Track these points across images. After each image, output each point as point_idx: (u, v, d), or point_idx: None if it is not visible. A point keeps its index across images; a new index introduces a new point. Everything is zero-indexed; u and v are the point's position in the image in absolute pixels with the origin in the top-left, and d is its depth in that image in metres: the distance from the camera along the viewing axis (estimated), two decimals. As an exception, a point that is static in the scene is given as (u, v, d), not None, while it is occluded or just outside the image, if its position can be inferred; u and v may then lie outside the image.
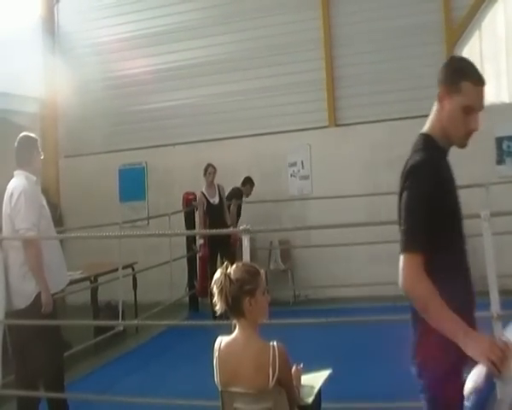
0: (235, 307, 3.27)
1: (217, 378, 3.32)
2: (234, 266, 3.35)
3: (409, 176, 2.87)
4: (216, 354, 3.33)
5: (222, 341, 3.36)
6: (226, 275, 3.27)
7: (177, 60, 12.23)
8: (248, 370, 3.22)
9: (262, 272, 3.42)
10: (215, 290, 3.29)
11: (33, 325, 5.22)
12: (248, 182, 11.08)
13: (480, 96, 2.87)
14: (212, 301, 3.34)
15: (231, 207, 10.63)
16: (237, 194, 10.91)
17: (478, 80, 2.86)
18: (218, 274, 3.32)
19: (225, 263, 3.39)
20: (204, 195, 10.20)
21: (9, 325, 5.57)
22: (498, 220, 4.88)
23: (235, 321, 3.36)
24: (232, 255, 9.73)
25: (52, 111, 13.12)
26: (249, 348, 3.26)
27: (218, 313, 3.34)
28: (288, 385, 3.29)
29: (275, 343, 3.25)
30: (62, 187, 13.18)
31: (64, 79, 12.81)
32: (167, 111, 12.38)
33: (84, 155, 12.81)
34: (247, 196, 11.04)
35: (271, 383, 3.18)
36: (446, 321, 2.56)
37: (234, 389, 3.27)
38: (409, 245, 2.67)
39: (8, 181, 5.47)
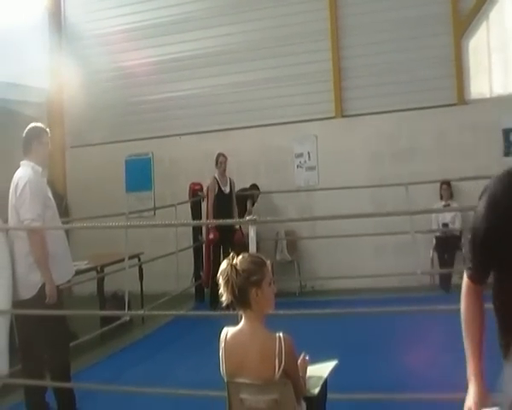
0: (241, 298, 3.26)
1: (223, 369, 3.32)
2: (240, 256, 3.33)
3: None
4: (222, 344, 3.33)
5: (228, 332, 3.36)
6: (232, 266, 3.26)
7: (183, 50, 12.20)
8: (254, 361, 3.22)
9: (268, 262, 3.41)
10: (221, 281, 3.28)
11: (39, 315, 5.24)
12: (254, 189, 11.18)
13: None
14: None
15: (248, 204, 10.72)
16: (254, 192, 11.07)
17: None
18: (224, 265, 3.31)
19: (231, 254, 3.37)
20: (217, 180, 10.19)
21: (16, 315, 5.60)
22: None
23: (241, 312, 3.36)
24: (234, 247, 9.86)
25: (59, 102, 13.13)
26: (255, 339, 3.26)
27: (224, 304, 3.32)
28: (294, 377, 3.29)
29: (281, 335, 3.24)
30: (69, 178, 13.20)
31: (71, 70, 12.82)
32: (173, 101, 12.37)
33: (90, 146, 12.83)
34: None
35: (277, 374, 3.18)
36: (466, 351, 2.57)
37: (240, 380, 3.28)
38: (464, 265, 2.66)
39: (16, 169, 5.48)
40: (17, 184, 5.31)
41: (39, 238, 5.27)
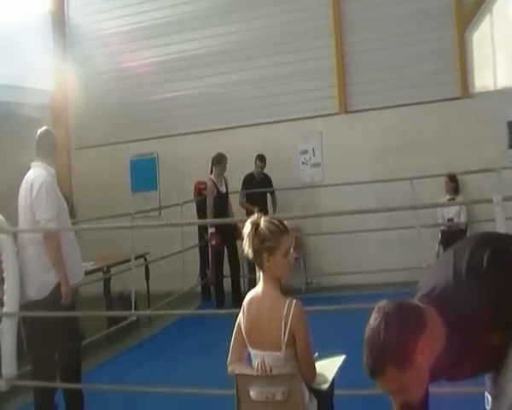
0: (256, 259, 3.34)
1: (243, 327, 3.38)
2: (265, 219, 3.37)
3: None
4: (245, 303, 3.42)
5: (249, 293, 3.46)
6: (254, 225, 3.31)
7: (186, 49, 12.21)
8: (264, 321, 3.29)
9: (290, 232, 3.39)
10: (245, 236, 3.34)
11: (52, 316, 5.23)
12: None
13: None
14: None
15: (239, 198, 10.70)
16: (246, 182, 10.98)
17: None
18: (249, 222, 3.35)
19: (258, 213, 3.40)
20: (214, 183, 10.21)
21: (23, 317, 5.60)
22: (511, 205, 4.83)
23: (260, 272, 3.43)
24: (235, 246, 9.86)
25: (63, 103, 13.16)
26: (267, 300, 3.33)
27: (251, 257, 3.34)
28: (302, 342, 3.30)
29: (293, 299, 3.30)
30: (74, 179, 13.23)
31: (74, 71, 12.85)
32: (177, 101, 12.38)
33: (95, 147, 12.84)
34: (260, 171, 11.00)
35: (284, 336, 3.22)
36: None
37: (255, 348, 3.34)
38: None
39: (22, 170, 5.47)
40: (32, 184, 5.28)
41: (56, 239, 5.27)
